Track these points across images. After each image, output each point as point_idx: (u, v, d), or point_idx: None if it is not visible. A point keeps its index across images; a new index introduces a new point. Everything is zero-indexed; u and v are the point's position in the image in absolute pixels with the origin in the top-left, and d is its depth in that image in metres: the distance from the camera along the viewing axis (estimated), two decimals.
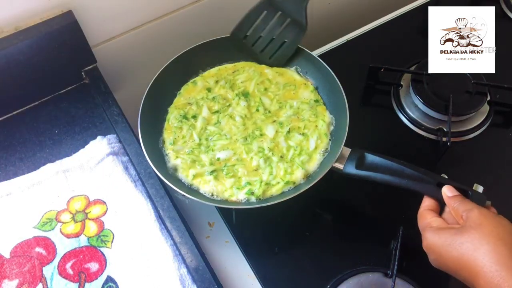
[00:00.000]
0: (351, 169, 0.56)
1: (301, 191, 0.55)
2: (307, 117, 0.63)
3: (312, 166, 0.60)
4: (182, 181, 0.59)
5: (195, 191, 0.58)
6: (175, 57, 0.64)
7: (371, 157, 0.56)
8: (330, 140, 0.62)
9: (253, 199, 0.57)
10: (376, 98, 0.77)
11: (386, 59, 0.74)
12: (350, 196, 0.67)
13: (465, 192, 0.53)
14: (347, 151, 0.57)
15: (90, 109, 0.64)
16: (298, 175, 0.58)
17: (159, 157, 0.60)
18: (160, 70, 0.63)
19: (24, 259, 0.52)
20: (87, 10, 0.62)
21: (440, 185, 0.53)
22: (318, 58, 0.66)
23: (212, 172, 0.58)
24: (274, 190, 0.58)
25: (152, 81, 0.62)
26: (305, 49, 0.67)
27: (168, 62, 0.64)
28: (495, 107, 0.72)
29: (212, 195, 0.58)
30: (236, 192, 0.57)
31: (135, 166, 0.58)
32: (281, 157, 0.60)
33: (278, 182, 0.58)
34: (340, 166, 0.57)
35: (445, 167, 0.68)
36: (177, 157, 0.60)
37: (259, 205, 0.55)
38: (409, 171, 0.54)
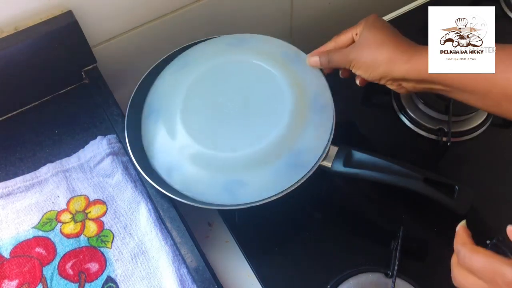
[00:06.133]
0: (339, 167, 0.56)
1: (287, 192, 0.54)
2: None
3: None
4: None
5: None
6: (166, 55, 0.64)
7: (358, 155, 0.57)
8: None
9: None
10: (377, 98, 0.77)
11: None
12: (350, 196, 0.67)
13: (451, 187, 0.53)
14: (334, 149, 0.57)
15: (90, 109, 0.64)
16: None
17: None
18: (149, 71, 0.63)
19: (24, 259, 0.52)
20: (87, 10, 0.62)
21: (427, 181, 0.53)
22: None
23: None
24: None
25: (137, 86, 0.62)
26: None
27: (158, 61, 0.64)
28: None
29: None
30: None
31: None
32: None
33: None
34: (328, 164, 0.57)
35: (445, 167, 0.68)
36: None
37: (249, 205, 0.54)
38: (396, 167, 0.55)
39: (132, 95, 0.61)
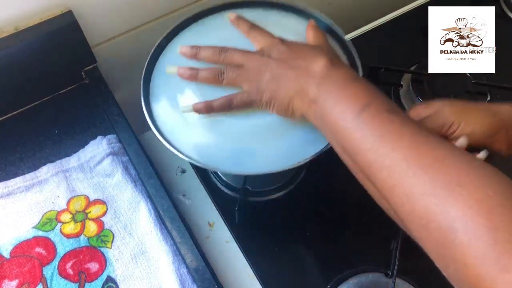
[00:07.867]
0: None
1: (298, 165, 0.51)
2: None
3: None
4: None
5: None
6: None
7: None
8: None
9: None
10: None
11: (386, 59, 0.74)
12: (350, 196, 0.67)
13: None
14: None
15: (90, 109, 0.64)
16: None
17: None
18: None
19: (24, 259, 0.52)
20: (87, 10, 0.62)
21: None
22: None
23: None
24: None
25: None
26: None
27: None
28: None
29: None
30: None
31: (135, 166, 0.58)
32: None
33: None
34: None
35: None
36: None
37: (256, 174, 0.51)
38: None
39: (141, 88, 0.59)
